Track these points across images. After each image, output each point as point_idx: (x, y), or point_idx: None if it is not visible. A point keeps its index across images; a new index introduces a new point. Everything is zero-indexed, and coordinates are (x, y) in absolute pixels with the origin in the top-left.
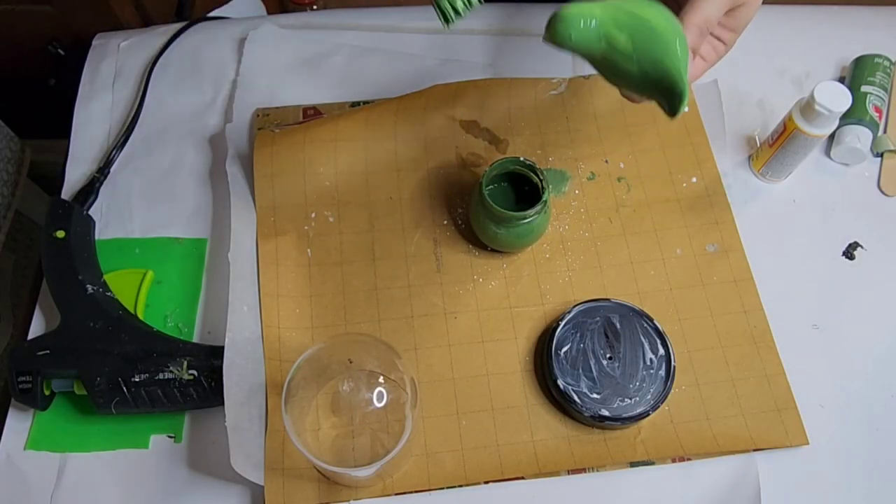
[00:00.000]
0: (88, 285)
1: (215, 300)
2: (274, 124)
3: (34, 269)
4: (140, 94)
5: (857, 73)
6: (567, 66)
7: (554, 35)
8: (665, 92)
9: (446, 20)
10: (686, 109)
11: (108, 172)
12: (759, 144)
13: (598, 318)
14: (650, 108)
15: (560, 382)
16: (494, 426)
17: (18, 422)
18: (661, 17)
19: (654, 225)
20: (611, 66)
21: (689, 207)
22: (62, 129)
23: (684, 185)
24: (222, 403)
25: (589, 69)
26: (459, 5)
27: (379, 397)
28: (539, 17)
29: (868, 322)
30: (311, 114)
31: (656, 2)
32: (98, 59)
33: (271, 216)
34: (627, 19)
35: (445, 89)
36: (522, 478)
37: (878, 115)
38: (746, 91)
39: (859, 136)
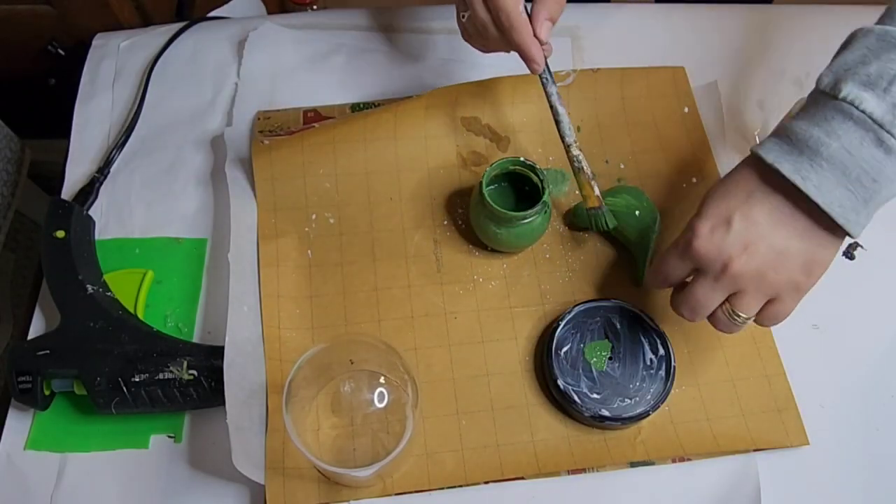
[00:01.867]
0: (88, 285)
1: (215, 300)
2: (270, 130)
3: (34, 269)
4: (140, 94)
5: None
6: (567, 66)
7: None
8: (636, 258)
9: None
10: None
11: (108, 172)
12: None
13: (598, 318)
14: (651, 110)
15: (560, 382)
16: (494, 426)
17: (18, 422)
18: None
19: None
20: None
21: (690, 208)
22: (62, 129)
23: (684, 185)
24: (222, 403)
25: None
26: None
27: (380, 398)
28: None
29: (868, 322)
30: (312, 116)
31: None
32: (98, 59)
33: (272, 218)
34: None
35: (447, 90)
36: (522, 478)
37: None
38: (746, 91)
39: None
